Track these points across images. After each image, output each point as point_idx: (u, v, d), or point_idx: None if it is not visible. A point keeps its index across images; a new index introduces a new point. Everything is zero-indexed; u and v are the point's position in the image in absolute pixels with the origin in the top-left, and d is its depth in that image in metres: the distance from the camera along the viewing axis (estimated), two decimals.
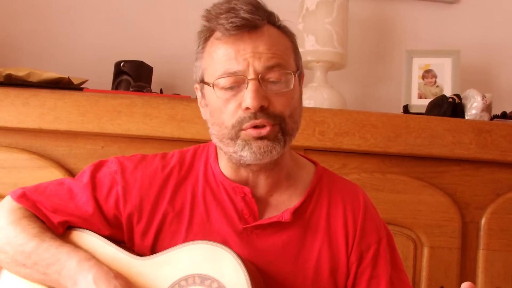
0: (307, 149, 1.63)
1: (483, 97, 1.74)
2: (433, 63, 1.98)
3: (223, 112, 1.10)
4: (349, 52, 2.01)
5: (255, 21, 1.08)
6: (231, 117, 1.09)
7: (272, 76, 1.09)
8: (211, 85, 1.10)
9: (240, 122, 1.08)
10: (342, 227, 1.19)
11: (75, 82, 1.78)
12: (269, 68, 1.08)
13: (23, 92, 1.62)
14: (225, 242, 1.11)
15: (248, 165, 1.13)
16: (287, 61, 1.12)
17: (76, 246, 1.14)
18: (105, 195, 1.18)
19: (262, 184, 1.18)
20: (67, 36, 2.13)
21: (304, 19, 1.95)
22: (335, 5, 1.93)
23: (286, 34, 1.15)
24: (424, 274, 1.64)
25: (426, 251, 1.65)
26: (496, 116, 1.80)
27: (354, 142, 1.63)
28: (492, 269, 1.65)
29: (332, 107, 1.83)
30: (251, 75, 1.07)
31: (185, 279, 1.08)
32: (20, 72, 1.71)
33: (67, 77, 1.74)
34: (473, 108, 1.75)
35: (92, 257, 1.10)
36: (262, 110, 1.07)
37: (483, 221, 1.67)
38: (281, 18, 1.15)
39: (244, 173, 1.17)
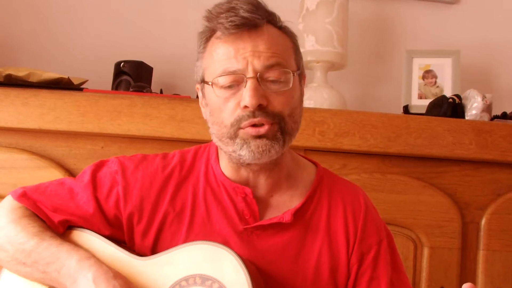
0: (307, 149, 1.62)
1: (483, 97, 1.74)
2: (433, 63, 1.98)
3: (222, 111, 1.10)
4: (349, 52, 2.01)
5: (254, 20, 1.08)
6: (230, 115, 1.09)
7: (272, 75, 1.09)
8: (210, 83, 1.11)
9: (239, 120, 1.08)
10: (342, 228, 1.19)
11: (75, 82, 1.78)
12: (269, 67, 1.08)
13: (23, 92, 1.62)
14: (225, 243, 1.11)
15: (248, 164, 1.13)
16: (287, 60, 1.12)
17: (76, 245, 1.13)
18: (106, 195, 1.18)
19: (263, 184, 1.18)
20: (67, 36, 2.12)
21: (304, 19, 1.95)
22: (335, 5, 1.93)
23: (287, 34, 1.15)
24: (424, 274, 1.64)
25: (426, 252, 1.65)
26: (496, 117, 1.80)
27: (354, 143, 1.63)
28: (492, 269, 1.65)
29: (332, 107, 1.83)
30: (250, 73, 1.07)
31: (186, 279, 1.08)
32: (20, 72, 1.70)
33: (67, 77, 1.74)
34: (473, 108, 1.75)
35: (92, 256, 1.10)
36: (261, 108, 1.07)
37: (483, 221, 1.67)
38: (281, 18, 1.15)
39: (244, 173, 1.17)
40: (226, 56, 1.09)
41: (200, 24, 1.15)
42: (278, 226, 1.16)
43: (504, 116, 1.80)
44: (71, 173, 1.62)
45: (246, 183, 1.17)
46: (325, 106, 1.85)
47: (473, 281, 1.64)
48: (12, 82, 1.69)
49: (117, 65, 1.92)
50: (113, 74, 1.92)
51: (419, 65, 1.99)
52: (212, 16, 1.11)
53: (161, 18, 2.14)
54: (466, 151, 1.65)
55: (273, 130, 1.09)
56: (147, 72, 1.94)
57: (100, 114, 1.61)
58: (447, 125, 1.65)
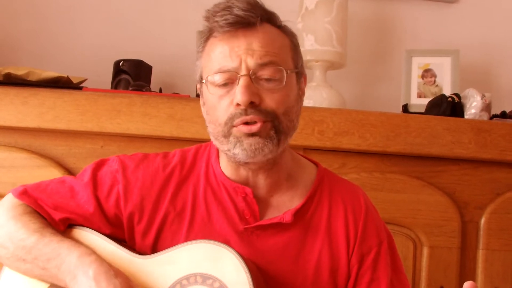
0: (306, 149, 1.63)
1: (483, 96, 1.74)
2: (432, 62, 1.98)
3: (217, 109, 1.10)
4: (348, 51, 2.01)
5: (248, 18, 1.09)
6: (224, 114, 1.09)
7: (265, 73, 1.09)
8: (204, 81, 1.11)
9: (231, 118, 1.08)
10: (343, 228, 1.19)
11: (74, 81, 1.78)
12: (262, 65, 1.08)
13: (22, 91, 1.62)
14: (225, 242, 1.10)
15: (246, 163, 1.13)
16: (282, 59, 1.11)
17: (77, 242, 1.13)
18: (106, 193, 1.17)
19: (262, 184, 1.18)
20: (67, 36, 2.12)
21: (303, 18, 1.95)
22: (335, 5, 1.93)
23: (285, 33, 1.15)
24: (423, 274, 1.65)
25: (425, 251, 1.65)
26: (495, 116, 1.80)
27: (353, 142, 1.63)
28: (491, 268, 1.66)
29: (331, 107, 1.82)
30: (242, 71, 1.08)
31: (187, 278, 1.08)
32: (19, 71, 1.70)
33: (66, 76, 1.74)
34: (473, 107, 1.75)
35: (93, 253, 1.10)
36: (253, 106, 1.07)
37: (482, 220, 1.67)
38: (280, 17, 1.15)
39: (243, 172, 1.17)
40: (222, 54, 1.10)
41: (199, 24, 1.16)
42: (278, 226, 1.16)
43: (504, 115, 1.81)
44: (70, 172, 1.62)
45: (246, 183, 1.17)
46: (324, 105, 1.85)
47: (473, 280, 1.63)
48: (12, 81, 1.69)
49: (117, 63, 1.91)
50: (112, 73, 1.92)
51: (418, 64, 1.99)
52: (209, 16, 1.12)
53: (161, 17, 2.14)
54: (465, 150, 1.65)
55: (266, 128, 1.08)
56: (147, 71, 1.94)
57: (100, 113, 1.61)
58: (446, 124, 1.65)
